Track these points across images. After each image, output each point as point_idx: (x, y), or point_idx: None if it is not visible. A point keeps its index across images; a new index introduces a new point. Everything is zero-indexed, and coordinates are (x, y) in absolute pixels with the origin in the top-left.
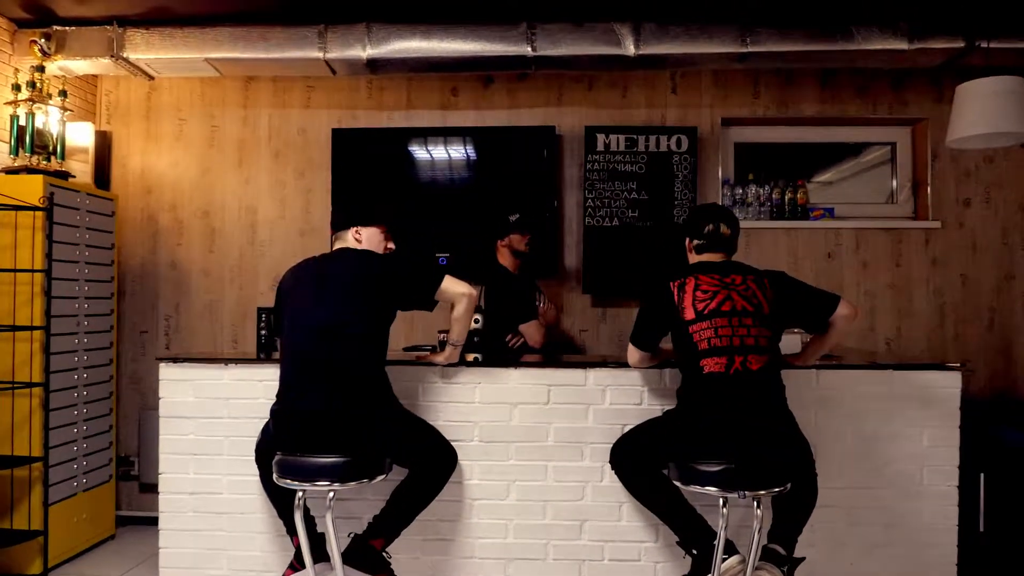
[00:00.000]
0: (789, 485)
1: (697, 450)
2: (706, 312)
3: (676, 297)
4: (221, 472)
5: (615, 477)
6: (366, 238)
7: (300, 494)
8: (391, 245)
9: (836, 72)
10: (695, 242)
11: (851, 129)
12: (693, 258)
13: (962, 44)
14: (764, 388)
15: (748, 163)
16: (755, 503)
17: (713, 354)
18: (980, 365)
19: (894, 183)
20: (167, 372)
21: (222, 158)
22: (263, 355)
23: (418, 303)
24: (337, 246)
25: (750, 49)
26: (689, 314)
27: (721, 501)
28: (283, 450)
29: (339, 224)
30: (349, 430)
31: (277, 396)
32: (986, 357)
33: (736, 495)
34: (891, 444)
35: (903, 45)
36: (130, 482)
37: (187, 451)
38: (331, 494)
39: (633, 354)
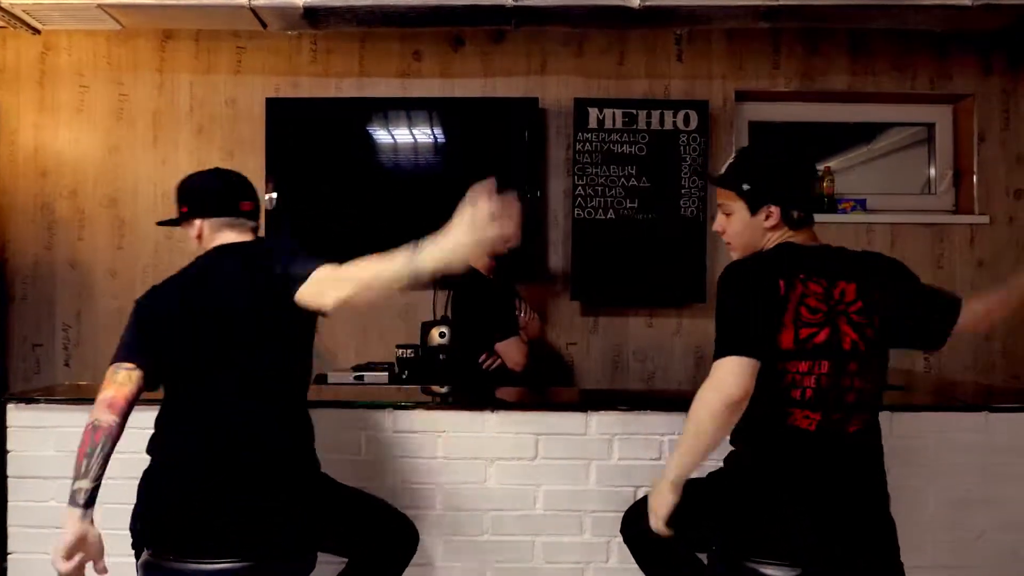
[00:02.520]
0: None
1: (754, 541)
2: (810, 347)
3: (780, 305)
4: None
5: (627, 555)
6: None
7: None
8: None
9: (870, 39)
10: (795, 213)
11: (884, 107)
12: (776, 237)
13: None
14: (859, 459)
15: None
16: None
17: (807, 407)
18: None
19: (931, 171)
20: (17, 416)
21: (133, 134)
22: None
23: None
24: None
25: (781, 2)
26: (787, 341)
27: None
28: (155, 545)
29: None
30: (251, 516)
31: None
32: None
33: None
34: (984, 510)
35: (967, 0)
36: None
37: (46, 524)
38: None
39: (734, 370)
